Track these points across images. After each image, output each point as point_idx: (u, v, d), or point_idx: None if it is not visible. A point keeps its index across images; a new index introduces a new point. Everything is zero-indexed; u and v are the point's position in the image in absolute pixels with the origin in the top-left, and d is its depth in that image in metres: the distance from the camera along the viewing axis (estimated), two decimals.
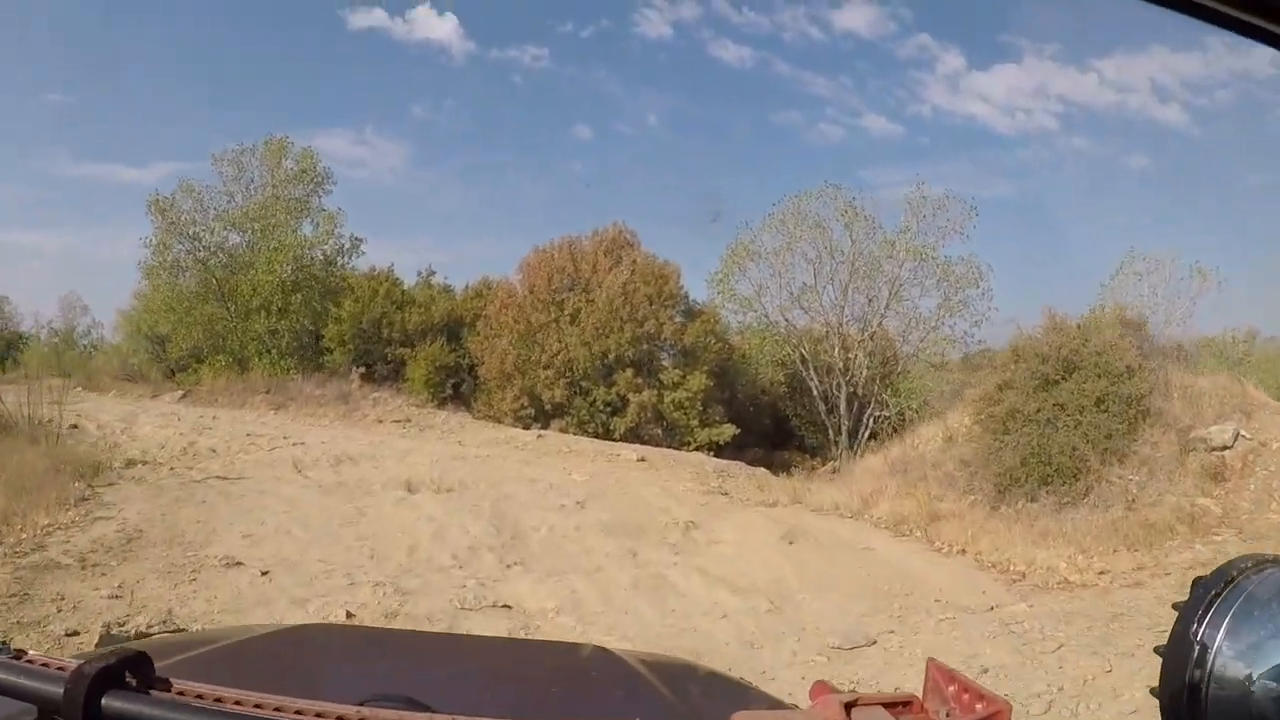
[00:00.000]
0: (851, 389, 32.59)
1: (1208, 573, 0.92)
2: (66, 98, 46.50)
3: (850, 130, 44.56)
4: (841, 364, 32.63)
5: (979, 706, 1.05)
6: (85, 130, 36.47)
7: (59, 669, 1.01)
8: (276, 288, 34.34)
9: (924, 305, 32.88)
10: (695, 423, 29.31)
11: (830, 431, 32.61)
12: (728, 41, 48.89)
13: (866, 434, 31.72)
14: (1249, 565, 0.90)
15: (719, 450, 28.99)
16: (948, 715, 1.07)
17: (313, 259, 36.24)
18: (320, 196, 36.97)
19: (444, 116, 49.45)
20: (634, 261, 30.61)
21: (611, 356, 29.15)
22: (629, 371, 29.01)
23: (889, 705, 1.07)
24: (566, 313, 30.04)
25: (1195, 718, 0.85)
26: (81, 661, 0.99)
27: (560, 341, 29.27)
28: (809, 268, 33.57)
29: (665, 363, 30.92)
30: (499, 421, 28.65)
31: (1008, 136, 37.55)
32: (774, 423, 33.77)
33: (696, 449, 28.34)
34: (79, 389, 29.65)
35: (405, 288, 35.49)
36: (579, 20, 51.07)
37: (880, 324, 33.36)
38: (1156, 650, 0.91)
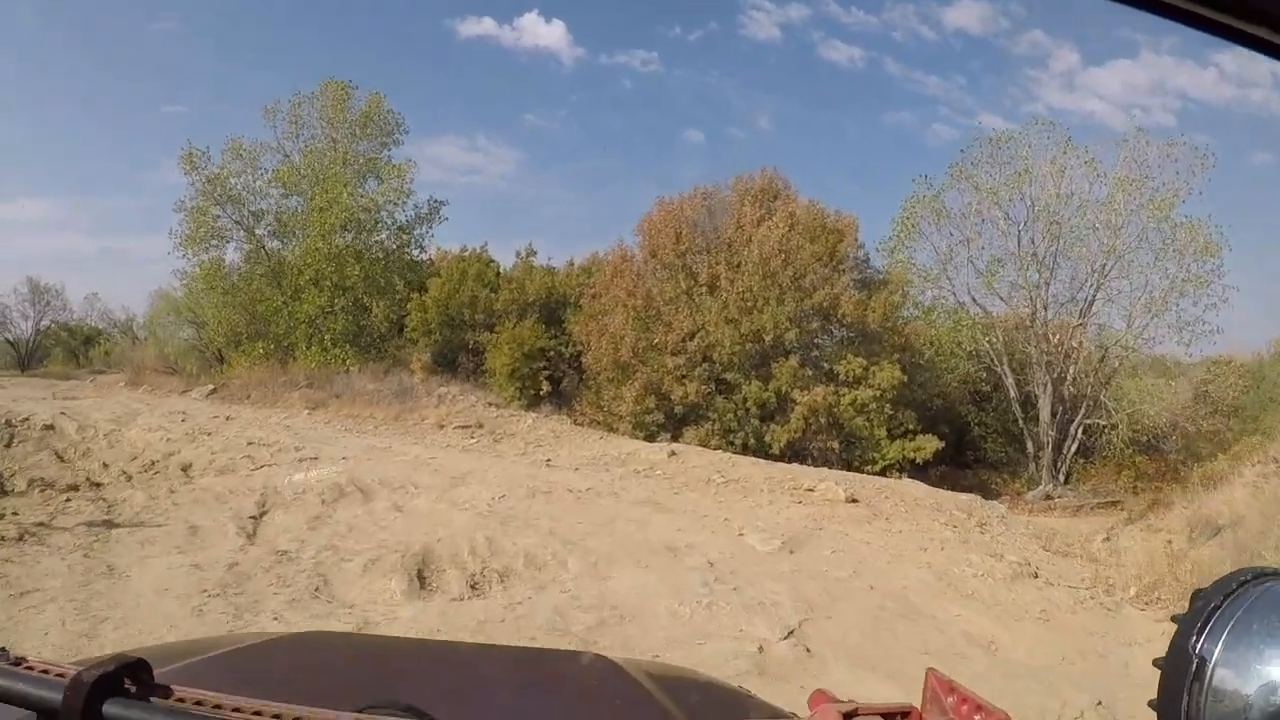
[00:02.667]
0: (1058, 391, 24.84)
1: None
2: (179, 109, 47.54)
3: (964, 130, 42.31)
4: (1046, 359, 24.90)
5: (977, 717, 1.04)
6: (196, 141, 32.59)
7: (58, 675, 1.00)
8: (329, 257, 27.17)
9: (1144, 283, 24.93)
10: (882, 432, 21.51)
11: (1029, 444, 25.33)
12: (837, 42, 48.46)
13: (1074, 448, 24.54)
14: (1249, 578, 0.88)
15: (915, 471, 21.19)
16: None
17: (378, 222, 29.01)
18: (390, 149, 30.11)
19: (555, 123, 50.01)
20: (792, 213, 22.45)
21: (768, 339, 21.13)
22: (793, 360, 21.02)
23: (888, 716, 1.07)
24: (701, 281, 22.16)
25: None
26: (80, 669, 0.98)
27: (695, 319, 21.34)
28: (1009, 232, 25.65)
29: (830, 348, 23.38)
30: (611, 429, 21.06)
31: (1125, 134, 31.07)
32: (954, 431, 25.34)
33: (884, 469, 20.89)
34: (121, 383, 27.90)
35: (500, 270, 28.94)
36: (686, 24, 50.93)
37: (1090, 306, 25.33)
38: (1155, 663, 0.88)
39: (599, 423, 21.49)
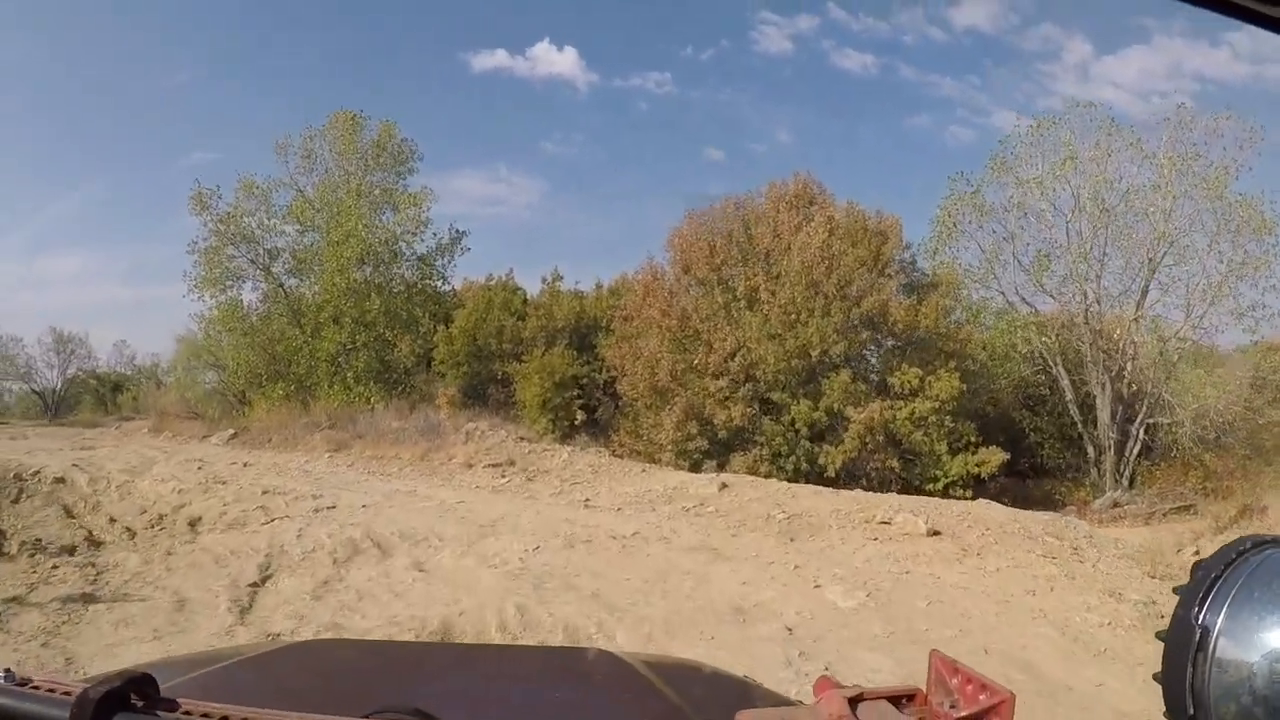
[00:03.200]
0: (1116, 389, 23.39)
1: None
2: (207, 155, 49.65)
3: (981, 130, 43.29)
4: (1103, 357, 23.43)
5: (982, 697, 1.04)
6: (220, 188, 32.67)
7: (64, 693, 1.01)
8: (347, 292, 26.06)
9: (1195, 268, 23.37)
10: (943, 447, 20.02)
11: (1089, 448, 23.79)
12: (849, 50, 48.17)
13: (1136, 449, 22.89)
14: (1249, 547, 0.89)
15: (977, 485, 19.92)
16: (951, 707, 1.06)
17: (397, 254, 27.95)
18: (405, 179, 29.05)
19: (574, 148, 50.04)
20: (830, 218, 21.07)
21: (814, 353, 19.68)
22: (843, 374, 19.59)
23: (893, 698, 1.09)
24: (740, 295, 20.75)
25: (1197, 702, 0.83)
26: (86, 685, 0.99)
27: (736, 336, 19.91)
28: (1056, 223, 24.42)
29: (879, 359, 22.17)
30: (652, 459, 19.63)
31: (1145, 121, 31.22)
32: (1009, 440, 23.75)
33: (947, 487, 19.47)
34: (144, 430, 27.08)
35: (527, 297, 27.91)
36: (698, 43, 51.37)
37: (1144, 297, 23.91)
38: (1158, 635, 0.88)
39: (639, 453, 20.12)
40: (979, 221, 24.84)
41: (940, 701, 1.07)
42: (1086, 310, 23.65)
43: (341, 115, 28.34)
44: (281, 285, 28.31)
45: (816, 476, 18.91)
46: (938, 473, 19.87)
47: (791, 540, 10.97)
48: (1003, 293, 25.10)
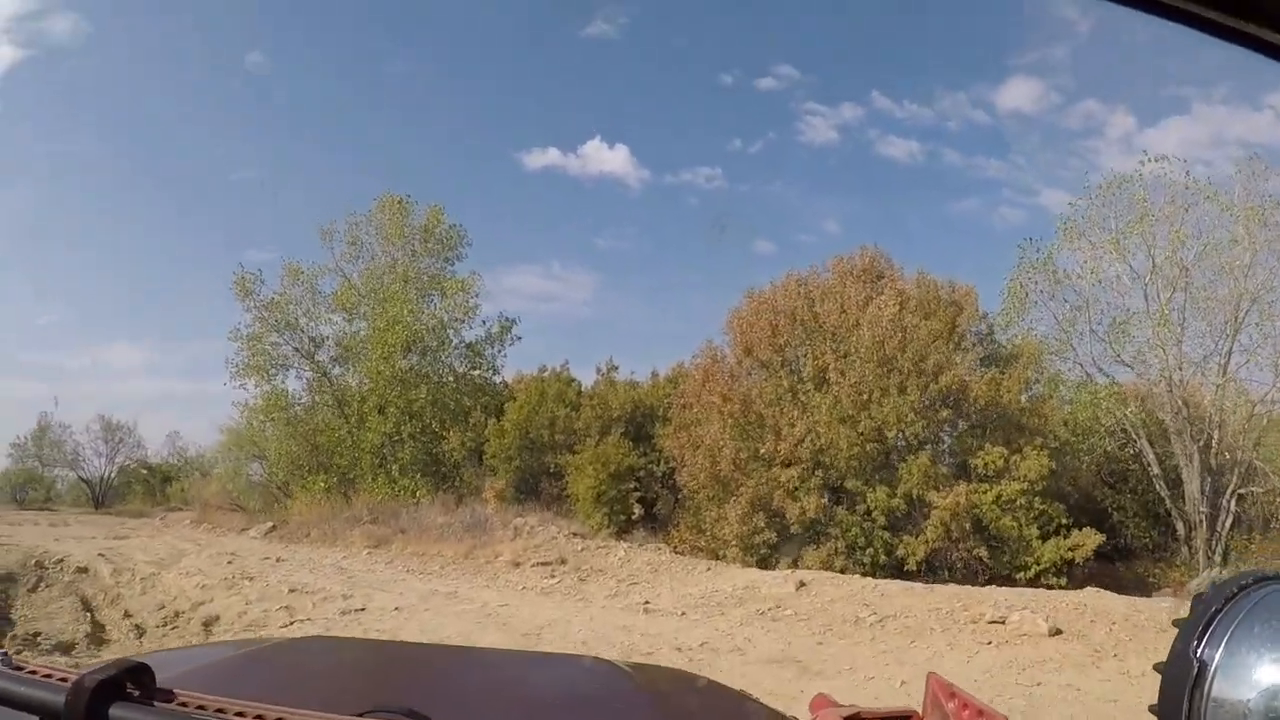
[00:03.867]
0: (1204, 460, 21.32)
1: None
2: (264, 254, 49.25)
3: (1030, 210, 41.15)
4: (1188, 426, 21.49)
5: None
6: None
7: (60, 680, 1.03)
8: (393, 380, 24.96)
9: None
10: (1033, 532, 18.24)
11: (1178, 524, 21.69)
12: (893, 138, 44.75)
13: (1228, 522, 20.94)
14: (1249, 582, 0.89)
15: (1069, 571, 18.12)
16: None
17: (444, 342, 26.88)
18: (453, 265, 28.25)
19: (627, 242, 47.86)
20: (900, 291, 19.65)
21: (890, 435, 18.11)
22: (923, 456, 18.00)
23: (889, 719, 1.07)
24: (806, 376, 19.28)
25: None
26: (83, 673, 0.99)
27: (805, 420, 18.38)
28: (1134, 288, 22.62)
29: (955, 439, 20.31)
30: (716, 555, 18.05)
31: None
32: (1091, 519, 21.90)
33: (1038, 575, 17.75)
34: (187, 521, 27.10)
35: (581, 389, 26.67)
36: (746, 137, 47.53)
37: (1228, 360, 22.00)
38: (1156, 668, 0.89)
39: (701, 549, 18.55)
40: (1051, 290, 23.29)
41: None
42: (1169, 378, 21.88)
43: (388, 199, 27.69)
44: (326, 374, 27.46)
45: (895, 569, 17.31)
46: (1028, 560, 18.10)
47: (889, 650, 9.33)
48: (1080, 364, 23.40)
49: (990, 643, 9.40)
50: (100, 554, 15.91)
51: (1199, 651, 0.84)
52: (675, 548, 18.39)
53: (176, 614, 12.18)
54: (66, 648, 10.12)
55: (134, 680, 0.99)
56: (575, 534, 17.89)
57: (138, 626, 11.50)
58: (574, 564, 15.74)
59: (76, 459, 44.01)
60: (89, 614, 11.87)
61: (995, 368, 20.08)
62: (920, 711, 1.11)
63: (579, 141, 55.44)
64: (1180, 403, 21.65)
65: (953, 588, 12.46)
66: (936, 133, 42.54)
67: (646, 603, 12.51)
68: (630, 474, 20.94)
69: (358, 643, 4.82)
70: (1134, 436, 22.44)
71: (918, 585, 12.51)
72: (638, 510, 20.91)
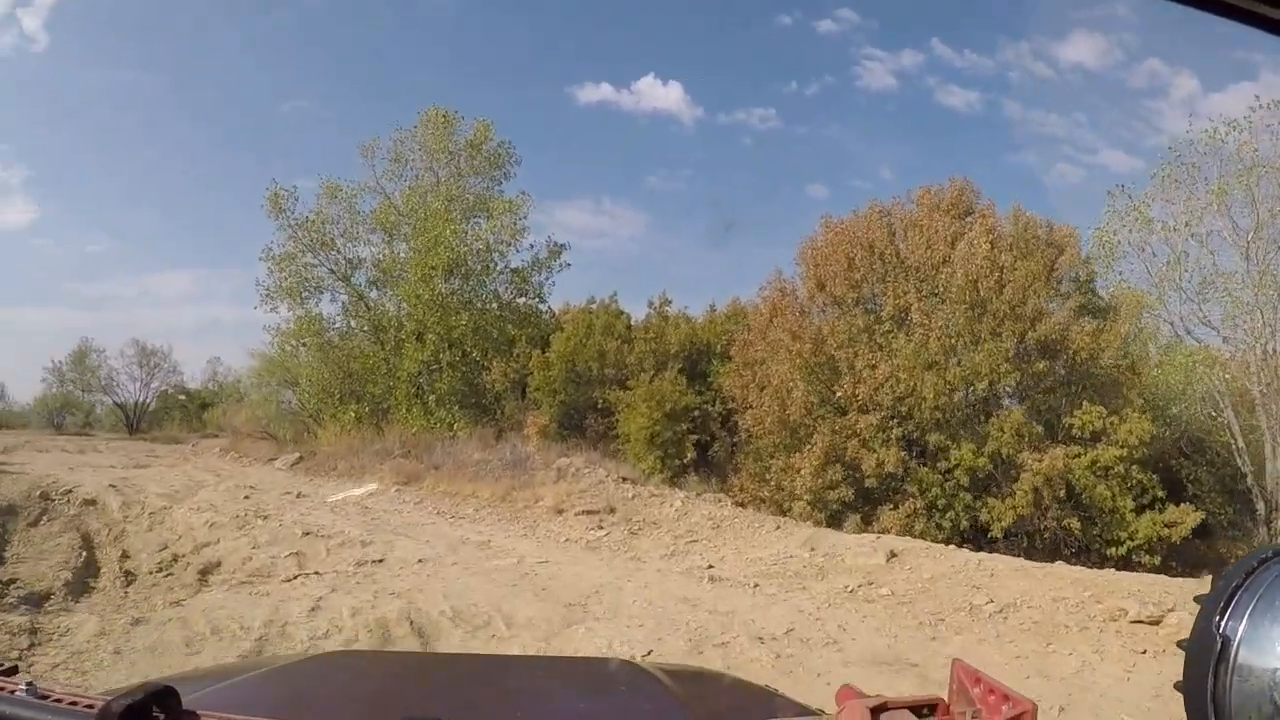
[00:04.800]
0: None
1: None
2: (310, 183, 43.57)
3: (1089, 169, 40.51)
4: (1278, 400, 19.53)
5: (1005, 707, 1.03)
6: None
7: (86, 706, 1.01)
8: (432, 305, 23.23)
9: None
10: (1127, 504, 16.23)
11: (1259, 503, 19.68)
12: (953, 87, 45.70)
13: None
14: (1270, 556, 0.89)
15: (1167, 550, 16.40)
16: (973, 716, 1.05)
17: (489, 266, 25.19)
18: (500, 184, 26.46)
19: (679, 183, 49.04)
20: (992, 229, 17.58)
21: (982, 386, 16.19)
22: (1017, 413, 16.16)
23: (915, 708, 1.07)
24: (885, 316, 17.43)
25: (1219, 711, 0.83)
26: (109, 698, 0.98)
27: (887, 363, 16.47)
28: (1235, 242, 20.26)
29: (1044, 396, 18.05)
30: (782, 509, 16.28)
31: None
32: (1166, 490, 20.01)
33: (1130, 552, 15.95)
34: (217, 449, 26.56)
35: (631, 322, 24.94)
36: (802, 79, 49.89)
37: None
38: (1180, 644, 0.89)
39: (765, 500, 16.81)
40: (1141, 242, 21.13)
41: (962, 711, 1.04)
42: (1263, 346, 19.89)
43: (434, 113, 25.85)
44: (363, 298, 26.02)
45: (980, 538, 15.55)
46: (1120, 534, 16.18)
47: (1023, 655, 7.45)
48: (1170, 323, 21.26)
49: (1145, 651, 7.42)
50: (112, 485, 15.17)
51: (1222, 626, 0.83)
52: (736, 499, 16.66)
53: (175, 558, 11.17)
54: (40, 599, 8.96)
55: (159, 703, 0.96)
56: (625, 478, 16.18)
57: (128, 573, 10.44)
58: (624, 514, 14.04)
59: (111, 384, 43.78)
60: (84, 553, 11.02)
61: (1096, 319, 17.98)
62: (946, 698, 1.06)
63: (633, 78, 55.65)
64: (1273, 373, 19.74)
65: (1067, 569, 10.39)
66: (997, 84, 42.93)
67: (710, 567, 10.75)
68: (686, 414, 19.16)
69: (383, 655, 4.82)
70: (1220, 406, 20.58)
71: (1029, 565, 10.49)
72: (692, 453, 19.10)
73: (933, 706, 1.07)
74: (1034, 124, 44.15)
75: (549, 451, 17.84)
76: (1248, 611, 0.83)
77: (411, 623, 7.70)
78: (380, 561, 10.72)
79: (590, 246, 47.85)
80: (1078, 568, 10.66)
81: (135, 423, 42.45)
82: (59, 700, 1.03)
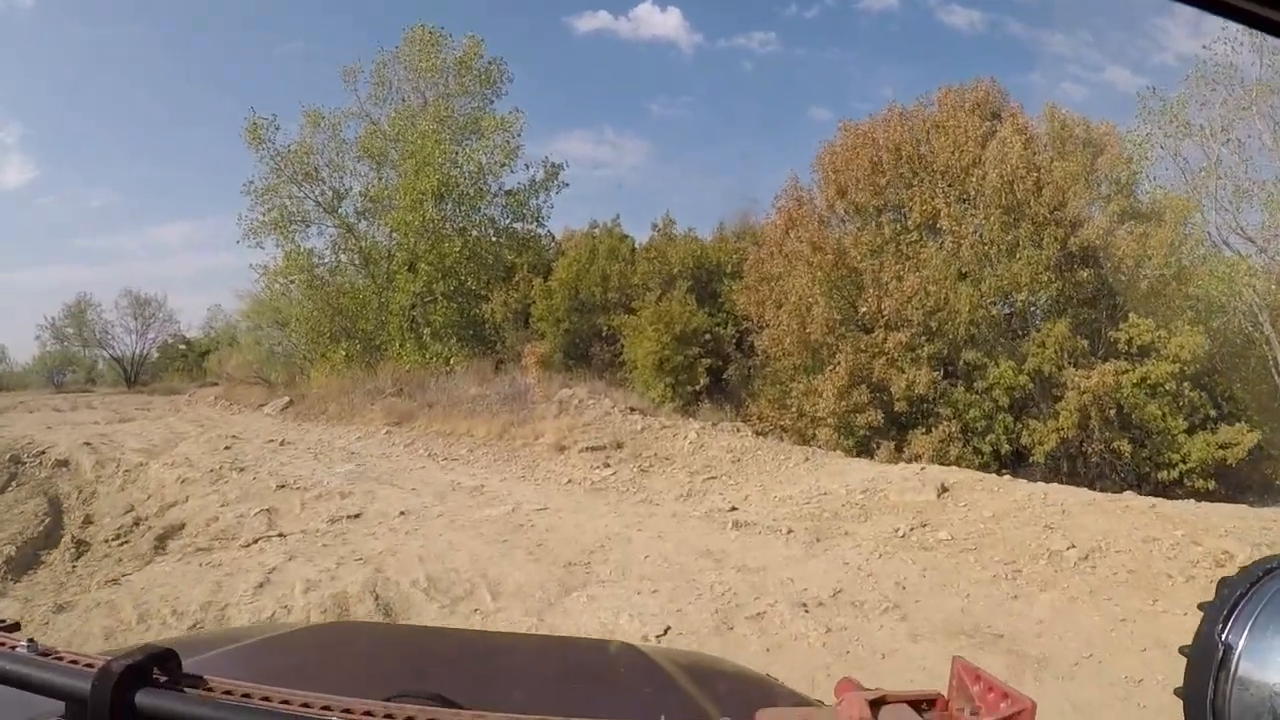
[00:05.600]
0: None
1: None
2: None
3: (1094, 87, 39.43)
4: None
5: (1003, 704, 0.99)
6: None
7: (87, 666, 1.00)
8: (423, 231, 21.80)
9: None
10: (1180, 424, 15.14)
11: None
12: (955, 6, 48.18)
13: None
14: (1275, 566, 0.86)
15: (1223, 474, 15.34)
16: (973, 713, 1.00)
17: (483, 190, 23.60)
18: (493, 102, 24.70)
19: (680, 110, 49.99)
20: (1023, 128, 16.13)
21: (1022, 297, 14.89)
22: (1061, 325, 14.83)
23: (914, 703, 1.03)
24: (912, 223, 15.99)
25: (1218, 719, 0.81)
26: (109, 658, 0.98)
27: (916, 275, 15.09)
28: (1275, 147, 18.88)
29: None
30: (804, 438, 15.02)
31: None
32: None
33: (1181, 476, 14.96)
34: (212, 397, 25.33)
35: (635, 245, 23.60)
36: (802, 1, 49.80)
37: None
38: (1181, 651, 0.86)
39: (786, 429, 15.54)
40: (1176, 146, 19.72)
41: (961, 707, 1.01)
42: None
43: (419, 31, 24.19)
44: (351, 230, 24.47)
45: (1021, 463, 14.34)
46: (1173, 457, 15.02)
47: (1128, 616, 5.98)
48: (1207, 233, 19.84)
49: None
50: (87, 443, 14.33)
51: (1224, 635, 0.81)
52: (755, 427, 15.32)
53: (137, 522, 10.25)
54: None
55: (160, 666, 0.96)
56: (633, 409, 14.80)
57: (80, 544, 9.51)
58: (632, 449, 12.72)
59: (106, 337, 43.07)
60: (48, 520, 10.22)
61: (1139, 225, 16.54)
62: (945, 694, 1.00)
63: (630, 4, 57.39)
64: None
65: (1142, 501, 8.88)
66: (1000, 3, 42.26)
67: (733, 509, 9.43)
68: (697, 336, 17.78)
69: (384, 627, 4.80)
70: (1258, 319, 19.06)
71: (1099, 497, 9.03)
72: (704, 379, 17.77)
73: (931, 701, 1.00)
74: (1038, 43, 43.74)
75: (550, 383, 16.52)
76: (1251, 622, 0.80)
77: (377, 598, 6.44)
78: (357, 517, 9.59)
79: (593, 177, 48.56)
80: (1154, 499, 9.16)
81: (134, 375, 41.74)
82: (60, 658, 1.02)
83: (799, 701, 1.84)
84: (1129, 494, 9.98)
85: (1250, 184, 19.48)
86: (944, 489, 9.17)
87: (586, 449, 12.77)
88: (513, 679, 2.04)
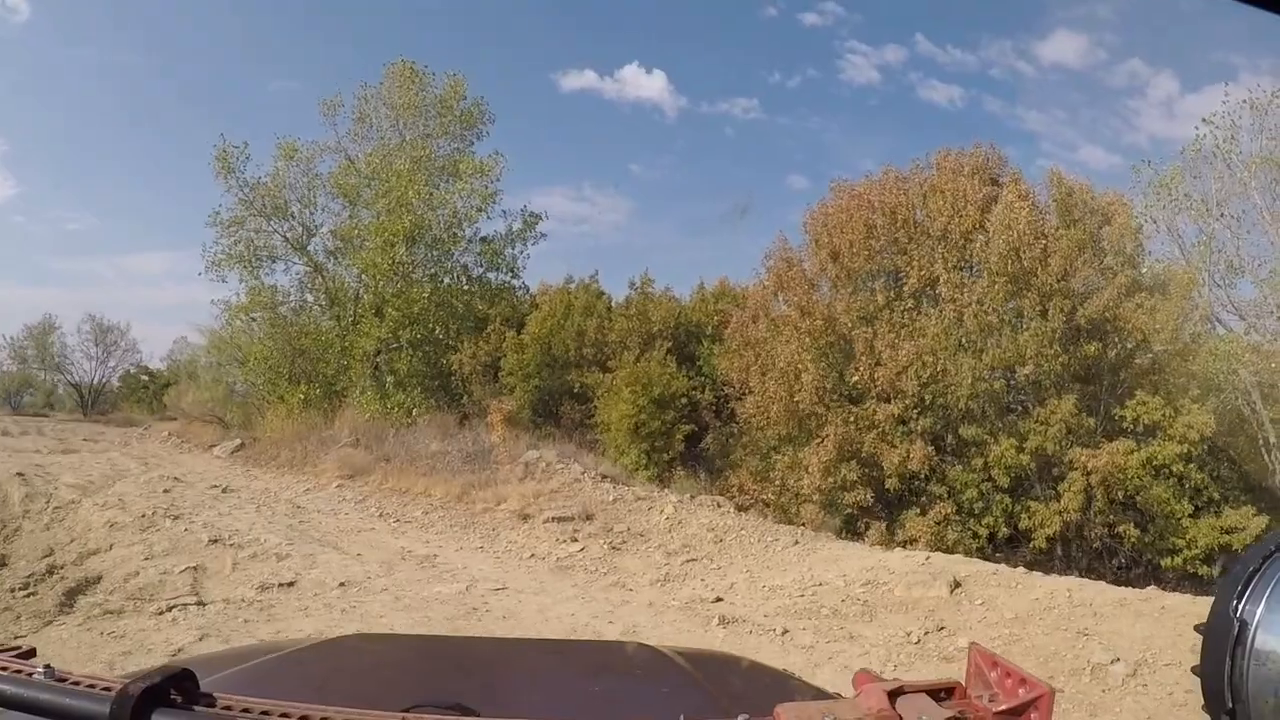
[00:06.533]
0: None
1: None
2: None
3: (1068, 164, 37.01)
4: None
5: (1021, 691, 1.02)
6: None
7: (104, 689, 0.99)
8: (391, 274, 20.89)
9: None
10: (1185, 507, 14.42)
11: None
12: (935, 82, 47.17)
13: None
14: None
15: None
16: (990, 700, 1.03)
17: (457, 236, 22.57)
18: (473, 144, 23.69)
19: (661, 171, 51.09)
20: (1026, 194, 15.60)
21: (1025, 371, 14.07)
22: (1067, 402, 14.11)
23: (932, 692, 1.04)
24: (908, 290, 15.23)
25: (1236, 694, 0.82)
26: (126, 681, 0.97)
27: (912, 343, 14.24)
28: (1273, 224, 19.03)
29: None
30: (788, 515, 14.03)
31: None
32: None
33: (1187, 562, 14.15)
34: (167, 432, 24.69)
35: (612, 304, 23.15)
36: (785, 70, 50.84)
37: None
38: (1197, 628, 0.87)
39: (768, 503, 14.54)
40: (1170, 220, 20.12)
41: (979, 695, 1.03)
42: None
43: (401, 66, 23.24)
44: (320, 269, 23.33)
45: (1017, 547, 13.54)
46: (1177, 541, 14.25)
47: None
48: (1198, 308, 19.39)
49: None
50: (20, 473, 13.33)
51: (1239, 610, 0.81)
52: (735, 499, 14.29)
53: (51, 570, 9.37)
54: None
55: (177, 686, 0.96)
56: (605, 476, 13.74)
57: None
58: (603, 521, 11.66)
59: (65, 361, 42.22)
60: None
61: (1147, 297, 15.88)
62: (963, 682, 1.03)
63: (617, 65, 58.10)
64: None
65: (1180, 600, 7.83)
66: (979, 80, 43.98)
67: (718, 600, 8.39)
68: (675, 400, 16.80)
69: (399, 638, 4.44)
70: (1251, 398, 18.73)
71: (1129, 594, 7.97)
72: (681, 446, 16.80)
73: (950, 690, 1.01)
74: (1015, 120, 44.79)
75: (517, 443, 15.43)
76: (1266, 595, 0.80)
77: None
78: (291, 585, 8.58)
79: (572, 233, 49.07)
80: (1187, 596, 8.20)
81: (91, 403, 40.79)
82: (77, 683, 1.00)
83: (817, 696, 1.80)
84: (1152, 589, 8.96)
85: (1242, 260, 19.63)
86: (956, 584, 8.13)
87: (553, 519, 11.69)
88: (530, 684, 2.05)
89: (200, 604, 7.73)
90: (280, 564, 9.33)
